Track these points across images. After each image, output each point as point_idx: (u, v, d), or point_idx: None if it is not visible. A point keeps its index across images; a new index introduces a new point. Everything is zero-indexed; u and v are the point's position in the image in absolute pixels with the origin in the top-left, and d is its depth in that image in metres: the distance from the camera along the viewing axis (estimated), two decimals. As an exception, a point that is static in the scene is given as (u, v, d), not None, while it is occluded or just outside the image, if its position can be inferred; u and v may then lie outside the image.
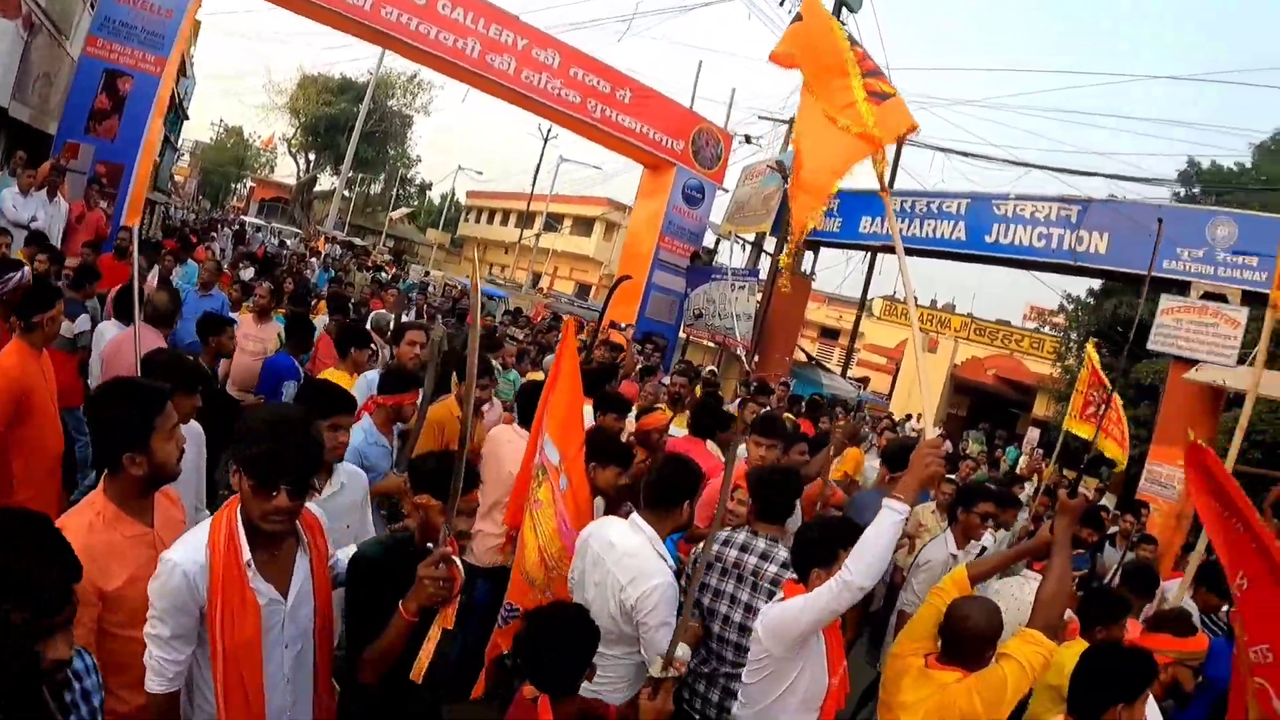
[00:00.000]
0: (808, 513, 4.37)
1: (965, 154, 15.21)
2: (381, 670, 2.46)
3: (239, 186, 51.56)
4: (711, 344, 16.52)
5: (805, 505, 4.33)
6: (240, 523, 2.35)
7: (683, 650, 2.83)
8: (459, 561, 2.40)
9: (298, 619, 2.48)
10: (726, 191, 17.18)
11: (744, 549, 3.32)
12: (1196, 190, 19.41)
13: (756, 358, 14.67)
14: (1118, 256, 11.38)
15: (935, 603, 2.92)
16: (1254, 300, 9.95)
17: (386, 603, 2.40)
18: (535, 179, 40.21)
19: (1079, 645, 3.18)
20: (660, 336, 15.19)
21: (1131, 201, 11.96)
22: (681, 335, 17.48)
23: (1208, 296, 10.37)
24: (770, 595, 3.11)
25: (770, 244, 16.34)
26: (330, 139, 40.93)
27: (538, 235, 40.69)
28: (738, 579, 3.27)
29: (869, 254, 17.03)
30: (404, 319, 8.23)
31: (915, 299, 3.59)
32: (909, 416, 19.28)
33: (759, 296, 14.88)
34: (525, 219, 43.45)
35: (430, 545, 2.52)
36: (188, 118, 24.64)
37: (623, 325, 14.61)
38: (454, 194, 57.58)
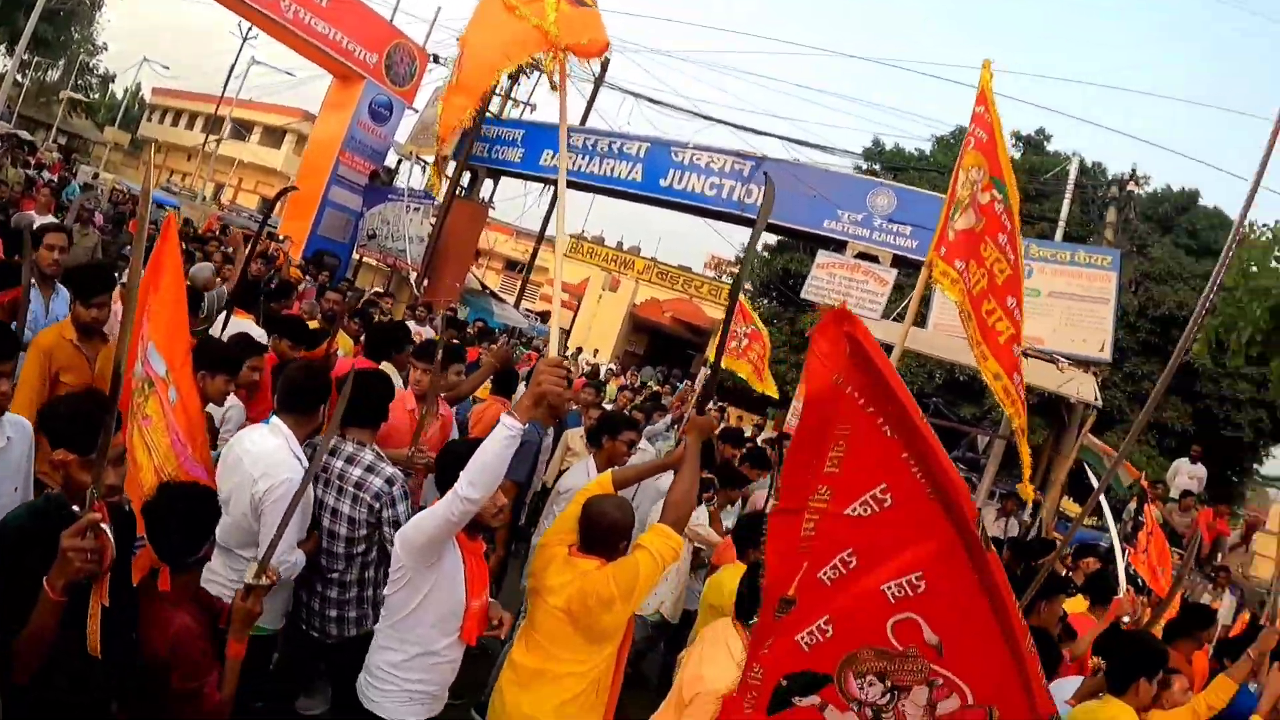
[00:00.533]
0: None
1: (654, 100, 15.76)
2: (35, 665, 2.09)
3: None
4: (383, 265, 16.21)
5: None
6: None
7: (298, 556, 2.87)
8: (108, 530, 2.07)
9: None
10: (416, 112, 16.86)
11: (350, 460, 3.28)
12: (877, 167, 21.33)
13: (426, 282, 14.61)
14: (784, 213, 12.30)
15: (579, 500, 3.13)
16: (903, 264, 11.28)
17: (38, 583, 2.04)
18: (227, 82, 37.02)
19: (738, 569, 3.55)
20: (333, 255, 14.72)
21: (801, 164, 13.13)
22: (355, 255, 17.00)
23: (861, 256, 11.54)
24: (371, 510, 3.18)
25: (451, 168, 16.26)
26: (7, 13, 34.89)
27: (219, 141, 37.46)
28: (339, 491, 3.23)
29: (550, 187, 17.45)
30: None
31: (566, 234, 3.60)
32: (579, 350, 20.04)
33: (433, 219, 14.79)
34: (213, 124, 39.89)
35: (77, 509, 2.13)
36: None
37: (282, 238, 13.99)
38: (139, 90, 51.62)
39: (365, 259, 17.34)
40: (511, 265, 36.95)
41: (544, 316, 18.46)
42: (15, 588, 2.10)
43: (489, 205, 17.02)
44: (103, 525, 2.05)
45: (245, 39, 35.38)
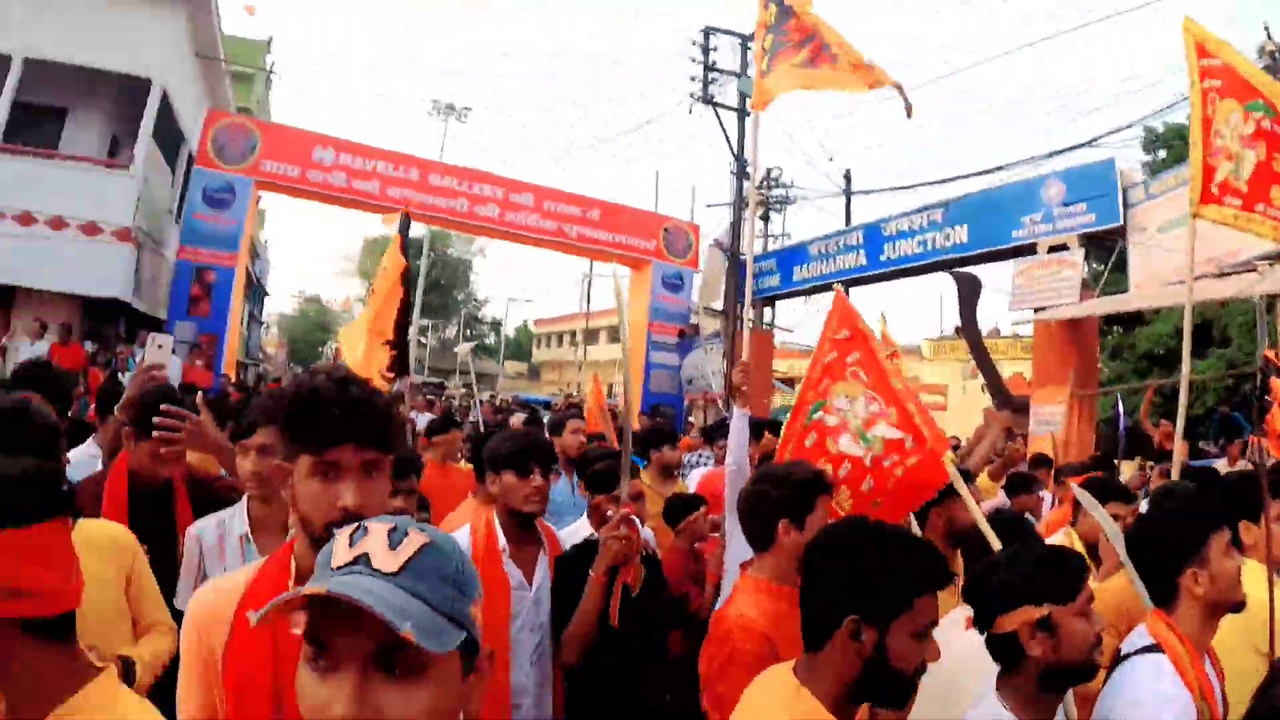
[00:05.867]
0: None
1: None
2: (584, 645, 2.84)
3: (324, 349, 57.32)
4: (702, 402, 19.41)
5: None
6: (496, 515, 2.95)
7: None
8: (637, 520, 2.93)
9: (540, 610, 2.92)
10: (699, 271, 20.32)
11: None
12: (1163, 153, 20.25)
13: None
14: (980, 239, 13.14)
15: None
16: (1089, 240, 11.66)
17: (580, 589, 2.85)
18: (589, 299, 44.10)
19: None
20: (667, 406, 18.06)
21: (978, 192, 13.74)
22: (685, 402, 20.36)
23: (1052, 250, 11.83)
24: None
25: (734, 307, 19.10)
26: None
27: (586, 349, 44.16)
28: None
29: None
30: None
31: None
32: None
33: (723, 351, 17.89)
34: (586, 335, 47.13)
35: (611, 512, 3.04)
36: (268, 294, 29.46)
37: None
38: (524, 325, 62.22)
39: (691, 402, 20.63)
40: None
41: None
42: (573, 595, 2.85)
43: (771, 330, 19.64)
44: (633, 518, 2.89)
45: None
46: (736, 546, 3.61)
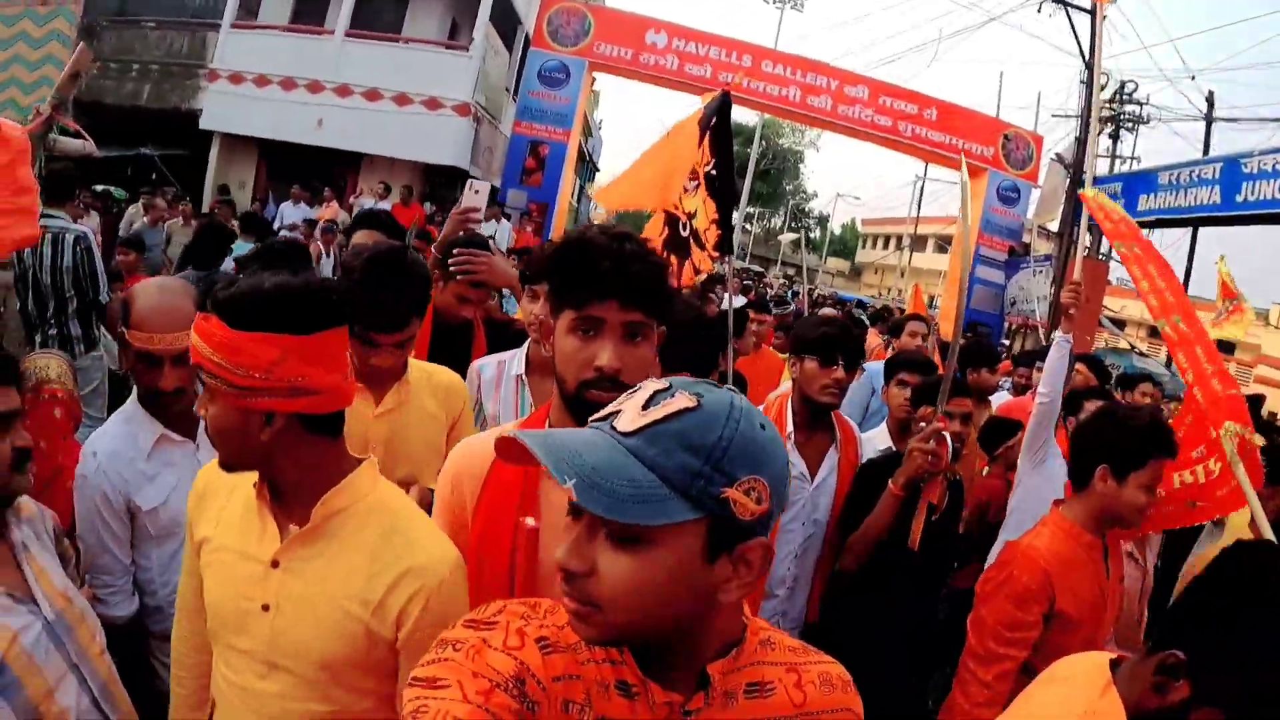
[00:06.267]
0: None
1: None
2: (865, 554, 2.67)
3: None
4: (1023, 327, 17.98)
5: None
6: (790, 401, 2.85)
7: None
8: (948, 438, 2.60)
9: (818, 505, 2.78)
10: (1039, 188, 18.57)
11: None
12: None
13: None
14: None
15: None
16: None
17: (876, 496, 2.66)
18: (919, 204, 41.99)
19: None
20: (984, 325, 17.03)
21: None
22: (1005, 323, 18.99)
23: None
24: None
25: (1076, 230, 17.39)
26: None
27: (911, 254, 42.29)
28: None
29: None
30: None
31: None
32: None
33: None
34: (913, 241, 45.22)
35: (924, 425, 2.73)
36: (599, 169, 31.01)
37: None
38: (851, 222, 60.71)
39: (1010, 324, 19.23)
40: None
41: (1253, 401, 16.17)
42: (867, 501, 2.67)
43: (1107, 260, 17.65)
44: (945, 433, 2.59)
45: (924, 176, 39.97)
46: (1030, 487, 3.48)
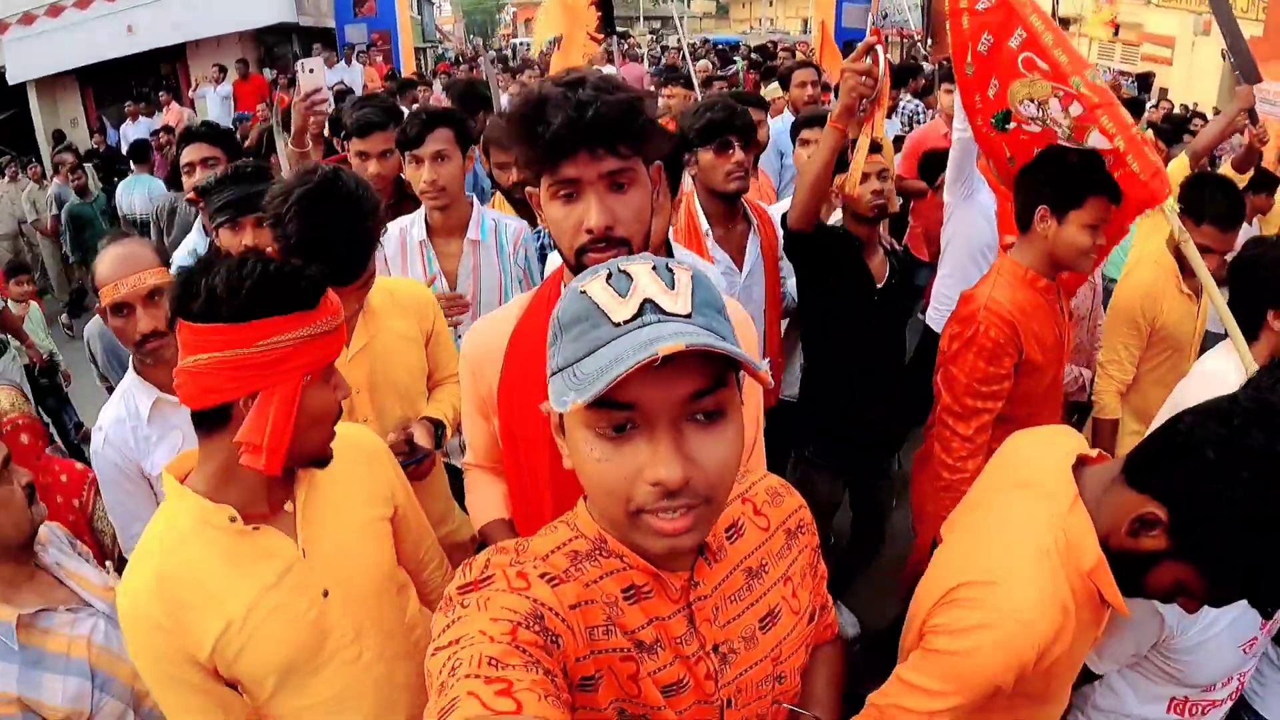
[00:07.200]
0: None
1: None
2: (813, 209, 2.53)
3: (502, 15, 55.60)
4: (897, 39, 17.85)
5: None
6: (697, 201, 2.74)
7: None
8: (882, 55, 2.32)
9: (751, 294, 2.80)
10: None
11: None
12: None
13: (931, 41, 16.00)
14: None
15: None
16: None
17: None
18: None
19: None
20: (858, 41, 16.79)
21: None
22: (872, 38, 18.77)
23: None
24: None
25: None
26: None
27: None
28: None
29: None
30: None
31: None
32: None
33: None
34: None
35: None
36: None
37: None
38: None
39: (888, 38, 19.08)
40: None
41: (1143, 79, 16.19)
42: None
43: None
44: (878, 47, 2.31)
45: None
46: (962, 220, 3.59)
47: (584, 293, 0.87)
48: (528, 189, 1.41)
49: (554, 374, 0.89)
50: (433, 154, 2.58)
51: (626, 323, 0.83)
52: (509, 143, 1.36)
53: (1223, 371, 2.19)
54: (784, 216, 2.63)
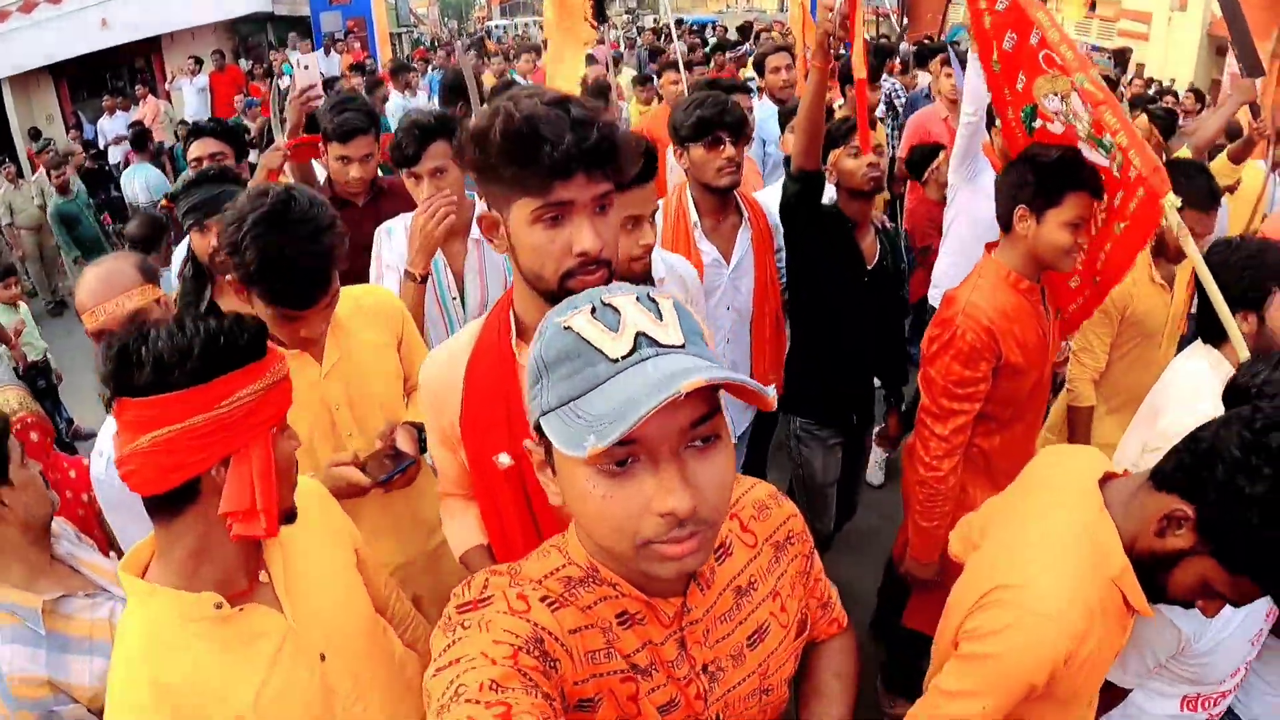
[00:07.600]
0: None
1: None
2: (810, 141, 2.54)
3: (478, -1, 54.92)
4: (871, 17, 17.78)
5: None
6: (689, 191, 2.78)
7: None
8: None
9: (738, 288, 2.82)
10: None
11: None
12: None
13: (906, 20, 15.93)
14: None
15: None
16: None
17: None
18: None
19: None
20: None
21: None
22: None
23: None
24: None
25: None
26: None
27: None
28: None
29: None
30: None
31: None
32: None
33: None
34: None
35: None
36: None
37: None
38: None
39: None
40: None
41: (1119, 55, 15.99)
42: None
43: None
44: None
45: None
46: (965, 200, 3.69)
47: (568, 328, 0.85)
48: (482, 215, 1.37)
49: (545, 414, 0.85)
50: (431, 170, 2.53)
51: (624, 358, 0.82)
52: (498, 162, 1.26)
53: (1198, 370, 2.26)
54: (789, 175, 2.68)
